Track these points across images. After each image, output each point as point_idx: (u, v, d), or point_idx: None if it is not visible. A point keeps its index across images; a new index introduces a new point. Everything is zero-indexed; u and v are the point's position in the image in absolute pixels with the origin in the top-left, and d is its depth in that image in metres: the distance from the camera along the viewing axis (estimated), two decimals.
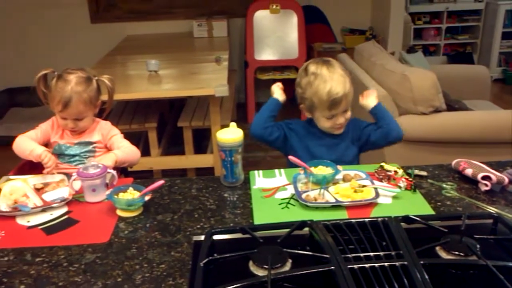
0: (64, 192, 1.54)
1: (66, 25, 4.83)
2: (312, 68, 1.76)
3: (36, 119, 4.38)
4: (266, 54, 4.47)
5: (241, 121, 2.99)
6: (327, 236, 1.16)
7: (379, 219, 1.23)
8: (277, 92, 1.86)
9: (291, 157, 1.53)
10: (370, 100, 1.83)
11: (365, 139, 1.84)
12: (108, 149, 1.87)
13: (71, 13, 4.80)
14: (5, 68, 4.96)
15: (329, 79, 1.72)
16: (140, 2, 4.80)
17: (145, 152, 3.36)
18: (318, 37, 4.79)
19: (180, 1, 4.80)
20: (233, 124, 1.56)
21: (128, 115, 3.48)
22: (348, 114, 1.79)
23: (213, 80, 3.02)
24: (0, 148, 4.27)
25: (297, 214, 1.37)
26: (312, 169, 1.51)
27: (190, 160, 3.31)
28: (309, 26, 4.61)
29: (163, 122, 3.73)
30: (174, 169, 3.36)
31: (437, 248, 1.14)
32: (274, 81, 4.79)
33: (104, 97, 1.88)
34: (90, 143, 1.84)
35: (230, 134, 1.52)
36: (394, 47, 4.46)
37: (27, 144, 1.73)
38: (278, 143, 1.84)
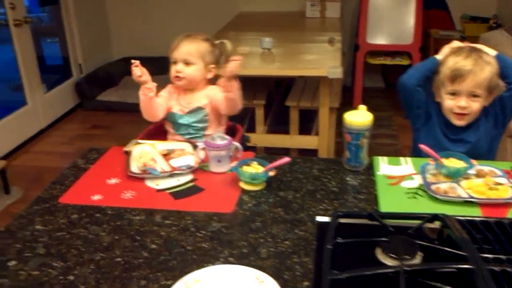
0: (190, 160, 1.58)
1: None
2: (458, 50, 1.69)
3: None
4: (378, 37, 4.31)
5: (347, 106, 2.89)
6: (462, 232, 1.10)
7: None
8: (443, 52, 1.74)
9: (422, 146, 1.46)
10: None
11: (499, 110, 1.72)
12: (219, 119, 1.92)
13: None
14: (122, 39, 5.27)
15: (464, 57, 1.64)
16: None
17: (251, 128, 3.40)
18: (436, 23, 4.53)
19: None
20: (362, 107, 1.51)
21: None
22: (476, 104, 1.64)
23: (325, 61, 2.97)
24: (114, 113, 4.57)
25: (425, 206, 1.31)
26: (443, 160, 1.43)
27: (295, 140, 3.31)
28: (427, 12, 4.37)
29: (268, 101, 3.74)
30: (276, 148, 3.37)
31: None
32: (384, 66, 4.68)
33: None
34: (200, 108, 1.89)
35: (360, 117, 1.48)
36: None
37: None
38: (417, 104, 1.75)
